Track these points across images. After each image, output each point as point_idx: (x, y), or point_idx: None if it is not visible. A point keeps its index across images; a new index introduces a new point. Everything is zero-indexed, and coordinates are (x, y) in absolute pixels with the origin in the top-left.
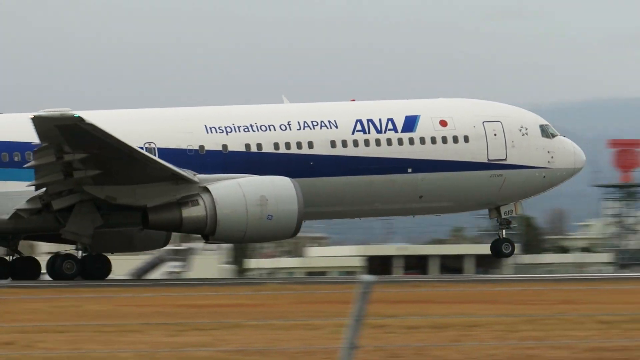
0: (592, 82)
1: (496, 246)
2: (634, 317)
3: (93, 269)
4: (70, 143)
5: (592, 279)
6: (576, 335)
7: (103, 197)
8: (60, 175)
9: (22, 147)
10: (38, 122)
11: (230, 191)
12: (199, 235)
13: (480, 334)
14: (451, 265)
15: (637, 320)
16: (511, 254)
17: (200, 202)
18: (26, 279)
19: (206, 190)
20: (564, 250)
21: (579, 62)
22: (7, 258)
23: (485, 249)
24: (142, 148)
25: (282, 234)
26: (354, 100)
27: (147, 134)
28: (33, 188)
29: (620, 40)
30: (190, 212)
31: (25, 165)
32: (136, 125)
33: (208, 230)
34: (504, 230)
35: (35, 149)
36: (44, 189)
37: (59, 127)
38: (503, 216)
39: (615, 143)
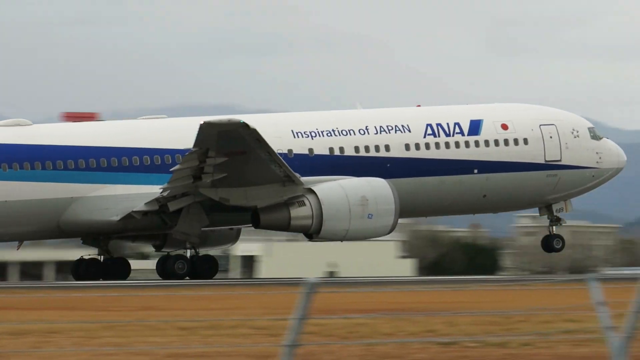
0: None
1: (548, 242)
2: (211, 323)
3: (202, 269)
4: (219, 148)
5: (171, 285)
6: (156, 342)
7: (217, 198)
8: (190, 179)
9: (129, 152)
10: (206, 127)
11: (334, 192)
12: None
13: (60, 340)
14: (31, 271)
15: (214, 326)
16: (562, 249)
17: (307, 202)
18: (117, 278)
19: (311, 191)
20: (144, 256)
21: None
22: (99, 258)
23: (65, 255)
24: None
25: (381, 232)
26: (419, 105)
27: None
28: (142, 190)
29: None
30: (297, 212)
31: (171, 169)
32: None
33: (313, 230)
34: (554, 227)
35: (187, 153)
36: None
37: (219, 133)
38: (555, 213)
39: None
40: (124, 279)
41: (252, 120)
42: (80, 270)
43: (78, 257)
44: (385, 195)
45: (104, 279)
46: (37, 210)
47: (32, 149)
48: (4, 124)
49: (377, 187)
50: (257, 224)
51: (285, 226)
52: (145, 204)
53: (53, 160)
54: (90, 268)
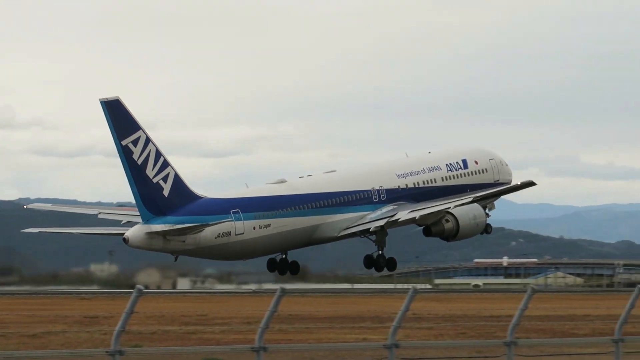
0: None
1: (486, 228)
2: None
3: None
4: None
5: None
6: None
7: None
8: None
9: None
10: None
11: (462, 212)
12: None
13: None
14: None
15: None
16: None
17: (451, 219)
18: (292, 273)
19: (450, 213)
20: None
21: None
22: (284, 257)
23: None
24: (375, 189)
25: (477, 233)
26: (430, 152)
27: (374, 181)
28: (349, 217)
29: None
30: (448, 226)
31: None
32: (367, 174)
33: (452, 237)
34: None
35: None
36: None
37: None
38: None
39: None
40: (295, 274)
41: (375, 168)
42: (275, 265)
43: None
44: (481, 212)
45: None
46: (303, 233)
47: (293, 197)
48: (272, 182)
49: (477, 207)
50: (429, 234)
51: (441, 233)
52: (375, 225)
53: (305, 203)
54: (281, 264)
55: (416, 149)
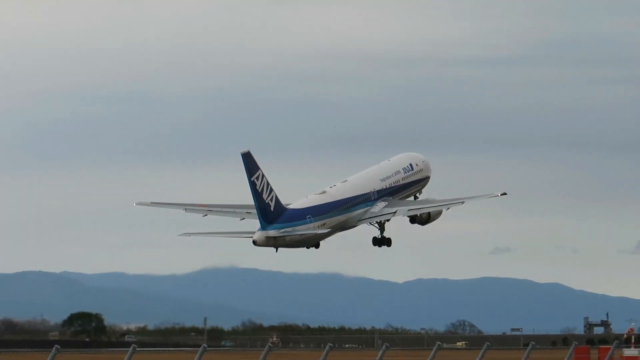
0: None
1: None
2: None
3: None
4: None
5: None
6: None
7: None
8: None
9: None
10: None
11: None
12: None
13: None
14: None
15: None
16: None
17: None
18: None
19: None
20: None
21: None
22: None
23: None
24: (371, 191)
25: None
26: (389, 160)
27: (370, 185)
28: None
29: None
30: (425, 216)
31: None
32: (365, 181)
33: (426, 222)
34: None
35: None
36: None
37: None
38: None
39: None
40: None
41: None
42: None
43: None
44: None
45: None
46: (340, 225)
47: (332, 204)
48: (317, 193)
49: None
50: (413, 222)
51: (421, 221)
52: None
53: (339, 207)
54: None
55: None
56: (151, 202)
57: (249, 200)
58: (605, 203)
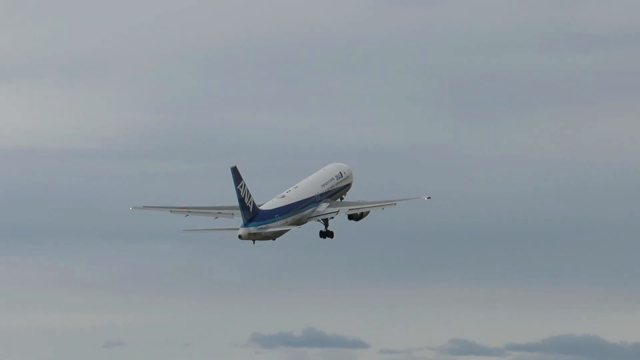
0: None
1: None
2: None
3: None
4: None
5: None
6: None
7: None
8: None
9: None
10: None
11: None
12: None
13: None
14: None
15: None
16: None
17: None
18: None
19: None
20: None
21: None
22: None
23: None
24: (317, 194)
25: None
26: (324, 169)
27: (316, 190)
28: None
29: None
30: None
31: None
32: (312, 187)
33: (359, 218)
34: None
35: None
36: None
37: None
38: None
39: None
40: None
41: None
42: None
43: None
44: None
45: None
46: (299, 221)
47: (292, 205)
48: (278, 197)
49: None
50: (351, 219)
51: (356, 218)
52: (332, 216)
53: (297, 207)
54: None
55: None
56: (144, 206)
57: (221, 202)
58: None
